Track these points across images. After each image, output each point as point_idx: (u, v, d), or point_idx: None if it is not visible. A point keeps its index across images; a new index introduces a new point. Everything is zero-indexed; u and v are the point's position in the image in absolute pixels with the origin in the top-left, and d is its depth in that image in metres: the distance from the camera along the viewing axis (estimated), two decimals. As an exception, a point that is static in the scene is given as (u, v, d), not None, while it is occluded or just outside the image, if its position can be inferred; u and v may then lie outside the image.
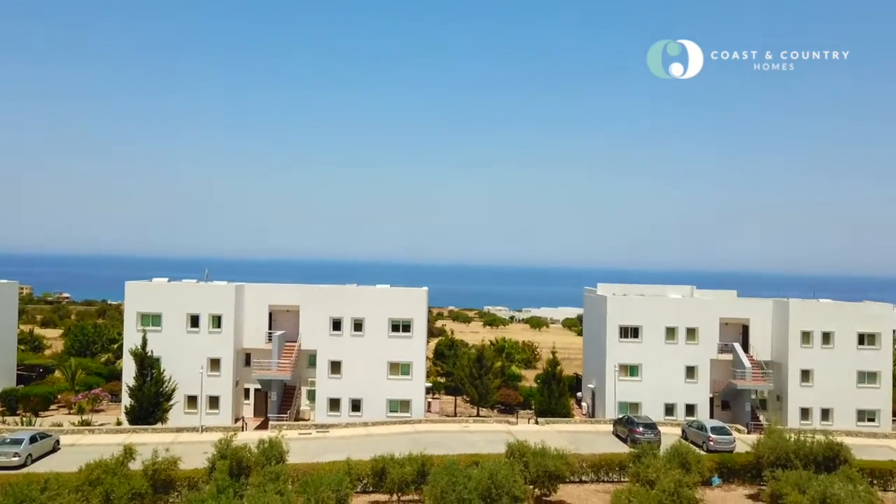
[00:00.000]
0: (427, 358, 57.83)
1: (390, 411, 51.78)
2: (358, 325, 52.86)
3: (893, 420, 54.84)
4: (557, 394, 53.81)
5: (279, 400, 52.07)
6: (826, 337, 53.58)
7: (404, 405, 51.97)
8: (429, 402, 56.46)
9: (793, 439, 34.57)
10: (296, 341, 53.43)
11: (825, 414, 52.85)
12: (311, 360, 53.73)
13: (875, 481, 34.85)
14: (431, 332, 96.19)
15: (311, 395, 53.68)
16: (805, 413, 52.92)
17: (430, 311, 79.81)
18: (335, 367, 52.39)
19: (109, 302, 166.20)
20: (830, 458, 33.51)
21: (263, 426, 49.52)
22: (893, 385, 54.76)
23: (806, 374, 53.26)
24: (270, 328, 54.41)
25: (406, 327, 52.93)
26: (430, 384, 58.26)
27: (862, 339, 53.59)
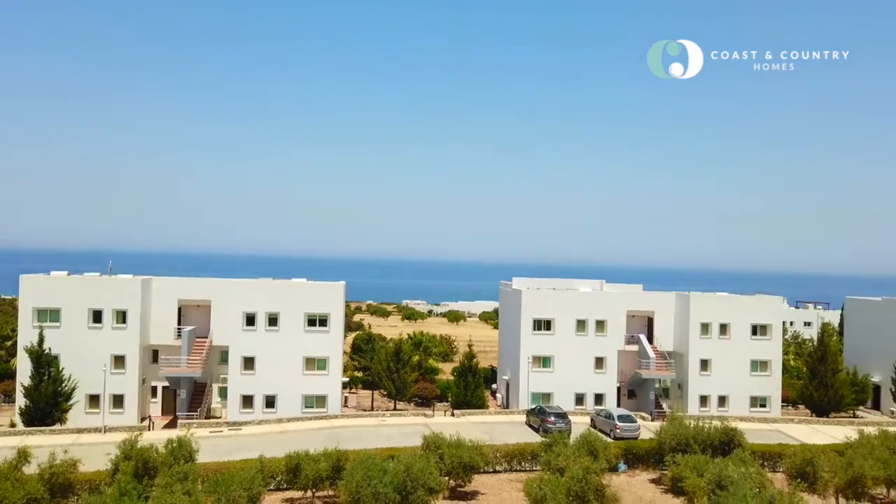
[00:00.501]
0: (344, 352, 57.48)
1: (306, 407, 51.13)
2: (273, 320, 51.84)
3: (782, 406, 58.98)
4: (473, 386, 54.73)
5: (189, 398, 50.45)
6: (723, 328, 56.81)
7: (320, 401, 51.44)
8: (345, 397, 56.13)
9: (692, 425, 36.51)
10: (207, 337, 51.88)
11: (722, 401, 56.09)
12: (223, 356, 52.27)
13: (765, 463, 37.31)
14: (349, 327, 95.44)
15: (223, 393, 52.27)
16: (704, 400, 56.00)
17: (347, 306, 79.17)
18: (248, 362, 51.20)
19: (2, 296, 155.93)
20: (726, 443, 35.63)
21: (172, 425, 47.89)
22: (783, 373, 58.84)
23: (705, 364, 56.35)
24: (180, 323, 52.55)
25: (323, 322, 52.34)
26: (346, 379, 57.87)
27: (755, 330, 57.16)
